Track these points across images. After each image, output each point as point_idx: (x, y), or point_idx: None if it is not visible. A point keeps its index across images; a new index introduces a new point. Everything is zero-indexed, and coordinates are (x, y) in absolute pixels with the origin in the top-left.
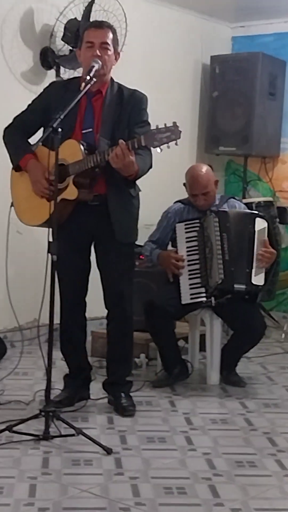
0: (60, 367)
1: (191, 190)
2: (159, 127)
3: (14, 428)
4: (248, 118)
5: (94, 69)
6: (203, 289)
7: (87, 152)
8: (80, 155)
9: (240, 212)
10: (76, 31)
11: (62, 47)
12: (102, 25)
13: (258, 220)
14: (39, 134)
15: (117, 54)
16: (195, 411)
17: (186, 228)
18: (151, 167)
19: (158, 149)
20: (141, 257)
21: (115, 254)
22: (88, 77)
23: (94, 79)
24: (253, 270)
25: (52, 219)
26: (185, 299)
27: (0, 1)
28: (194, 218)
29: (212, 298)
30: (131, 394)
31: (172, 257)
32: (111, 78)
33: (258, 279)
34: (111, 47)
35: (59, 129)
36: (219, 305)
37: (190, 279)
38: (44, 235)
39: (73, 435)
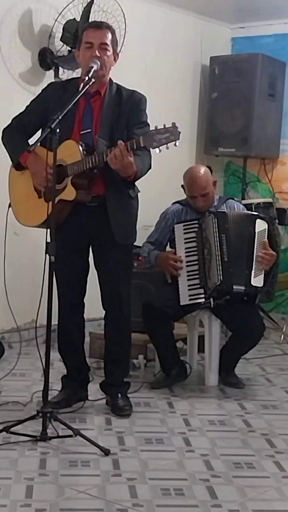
0: (58, 368)
1: (190, 192)
2: (158, 128)
3: (12, 429)
4: (247, 119)
5: (92, 70)
6: (201, 290)
7: (85, 153)
8: (79, 155)
9: (240, 213)
10: (75, 31)
11: (61, 48)
12: (101, 26)
13: (258, 221)
14: (38, 135)
15: (116, 54)
16: (193, 412)
17: (184, 229)
18: (150, 168)
19: (157, 150)
20: (139, 258)
21: (113, 255)
22: (86, 78)
23: (93, 80)
24: (253, 272)
25: (50, 220)
26: (184, 300)
27: None
28: (192, 219)
29: (211, 299)
30: (129, 395)
31: (170, 258)
32: (110, 79)
33: (257, 281)
34: (110, 48)
35: (57, 130)
36: (217, 306)
37: (188, 280)
38: (42, 236)
39: (70, 436)
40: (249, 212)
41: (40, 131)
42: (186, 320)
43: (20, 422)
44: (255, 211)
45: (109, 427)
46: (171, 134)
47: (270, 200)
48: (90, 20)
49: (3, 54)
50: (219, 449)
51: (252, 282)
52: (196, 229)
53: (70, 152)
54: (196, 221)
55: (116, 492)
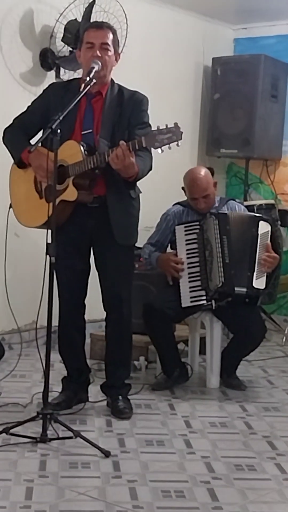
0: (59, 369)
1: (191, 194)
2: (160, 128)
3: (11, 431)
4: (249, 120)
5: (94, 71)
6: (203, 292)
7: (87, 153)
8: (80, 156)
9: (242, 214)
10: (76, 32)
11: (62, 48)
12: (102, 26)
13: (261, 223)
14: (39, 136)
15: (117, 55)
16: (194, 414)
17: (186, 231)
18: (151, 169)
19: (159, 150)
20: (140, 259)
21: (114, 256)
22: (87, 78)
23: (94, 80)
24: (255, 274)
25: (51, 220)
26: (185, 302)
27: None
28: (193, 220)
29: (213, 301)
30: (130, 396)
31: (172, 260)
32: (112, 79)
33: (259, 283)
34: (111, 48)
35: (58, 131)
36: (219, 308)
37: (190, 282)
38: (43, 237)
39: (71, 437)
40: (252, 213)
41: (41, 132)
42: (187, 322)
43: (20, 423)
44: (257, 213)
45: (110, 429)
46: (173, 134)
47: (272, 201)
48: (91, 21)
49: (4, 55)
50: (220, 451)
51: (254, 284)
52: (197, 231)
53: (72, 152)
54: (197, 223)
55: (116, 494)
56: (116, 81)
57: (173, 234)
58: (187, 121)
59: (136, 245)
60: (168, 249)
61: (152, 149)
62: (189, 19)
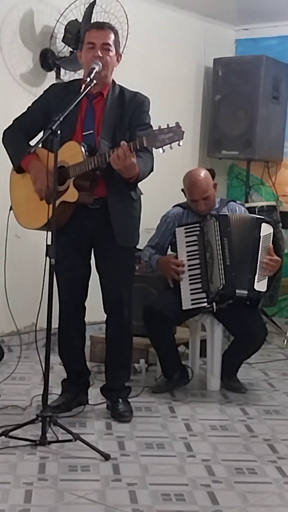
0: (58, 372)
1: (191, 195)
2: (162, 127)
3: (11, 433)
4: (251, 122)
5: (94, 71)
6: (204, 295)
7: (88, 154)
8: (81, 157)
9: (244, 216)
10: (77, 32)
11: (63, 49)
12: (103, 26)
13: (264, 225)
14: (40, 136)
15: (118, 55)
16: (194, 417)
17: (186, 233)
18: (152, 170)
19: (160, 150)
20: (141, 261)
21: (115, 258)
22: (88, 79)
23: (95, 81)
24: (256, 276)
25: (51, 222)
26: (186, 304)
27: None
28: (194, 222)
29: (214, 304)
30: (130, 399)
31: (172, 263)
32: (113, 80)
33: (260, 285)
34: (112, 48)
35: (58, 131)
36: (220, 310)
37: (190, 284)
38: (43, 238)
39: (70, 440)
40: (254, 215)
41: (41, 133)
42: (188, 324)
43: (19, 426)
44: (258, 215)
45: (110, 432)
46: (174, 134)
47: (273, 203)
48: (92, 21)
49: (4, 55)
50: (220, 454)
51: (255, 287)
52: (197, 233)
53: (72, 153)
54: (198, 224)
55: (116, 497)
56: (116, 82)
57: (173, 236)
58: (188, 122)
59: (137, 246)
60: (169, 251)
61: (154, 149)
62: (191, 19)
